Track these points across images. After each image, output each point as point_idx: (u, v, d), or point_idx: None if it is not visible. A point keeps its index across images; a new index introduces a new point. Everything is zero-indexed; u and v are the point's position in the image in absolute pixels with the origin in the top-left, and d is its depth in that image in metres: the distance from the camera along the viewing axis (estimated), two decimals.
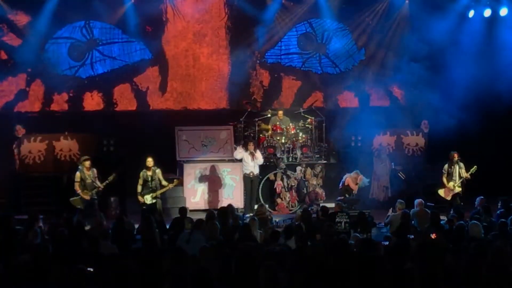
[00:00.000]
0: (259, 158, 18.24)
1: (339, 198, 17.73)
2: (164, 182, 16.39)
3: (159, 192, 16.30)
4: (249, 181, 18.14)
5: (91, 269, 8.02)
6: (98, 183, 16.14)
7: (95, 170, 16.28)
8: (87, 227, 14.06)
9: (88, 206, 15.93)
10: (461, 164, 17.43)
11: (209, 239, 11.26)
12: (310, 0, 22.03)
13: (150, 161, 16.29)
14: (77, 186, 16.03)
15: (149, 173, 16.27)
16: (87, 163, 16.13)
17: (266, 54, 22.57)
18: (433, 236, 11.96)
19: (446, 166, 17.60)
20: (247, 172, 18.10)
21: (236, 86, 22.25)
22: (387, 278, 7.64)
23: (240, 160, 18.67)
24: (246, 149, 18.18)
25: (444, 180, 17.57)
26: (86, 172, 16.07)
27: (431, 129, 20.65)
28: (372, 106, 22.68)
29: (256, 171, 18.18)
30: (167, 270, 7.86)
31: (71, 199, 16.10)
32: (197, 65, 22.17)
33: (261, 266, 7.32)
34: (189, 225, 12.71)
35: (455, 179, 17.44)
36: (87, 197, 15.95)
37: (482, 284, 7.37)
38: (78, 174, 16.11)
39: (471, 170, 17.34)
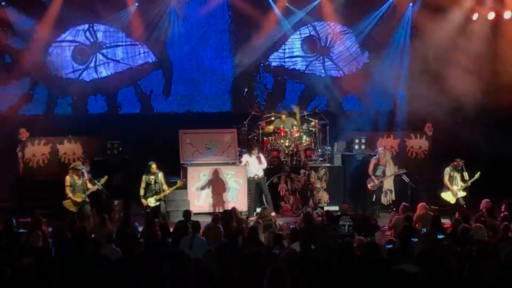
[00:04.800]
0: (263, 162, 18.19)
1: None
2: (164, 187, 16.45)
3: (162, 194, 16.35)
4: (254, 184, 18.10)
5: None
6: (90, 186, 16.18)
7: (85, 175, 16.32)
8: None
9: (81, 209, 16.01)
10: (464, 170, 17.41)
11: (212, 242, 11.26)
12: (314, 3, 22.03)
13: (154, 168, 16.40)
14: (67, 190, 16.10)
15: (152, 176, 16.31)
16: (77, 170, 16.20)
17: (270, 57, 22.59)
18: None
19: (448, 169, 17.55)
20: (251, 175, 18.06)
21: (240, 89, 22.28)
22: (390, 282, 7.63)
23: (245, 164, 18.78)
24: (251, 154, 18.11)
25: (447, 183, 17.54)
26: (75, 177, 16.11)
27: (435, 132, 20.62)
28: (376, 109, 22.66)
29: (260, 173, 18.12)
30: (170, 273, 7.86)
31: (63, 202, 16.17)
32: (201, 68, 22.20)
33: (268, 268, 7.31)
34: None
35: (457, 183, 17.41)
36: (79, 200, 15.99)
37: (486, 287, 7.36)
38: (67, 178, 16.18)
39: (475, 176, 17.30)
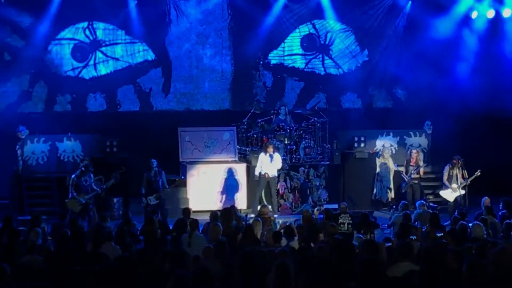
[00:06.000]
0: (278, 161, 18.07)
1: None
2: (164, 185, 16.63)
3: (161, 193, 16.44)
4: (263, 181, 17.99)
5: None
6: (94, 187, 16.24)
7: (92, 176, 16.39)
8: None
9: (84, 209, 16.04)
10: (463, 168, 17.43)
11: (211, 240, 11.25)
12: (313, 1, 22.03)
13: (154, 165, 16.62)
14: (73, 189, 16.12)
15: (152, 174, 16.37)
16: (85, 167, 16.26)
17: (269, 55, 22.58)
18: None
19: (447, 167, 17.60)
20: (263, 173, 17.93)
21: (239, 87, 22.30)
22: (389, 279, 7.64)
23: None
24: (266, 152, 18.04)
25: (446, 182, 17.56)
26: (82, 176, 16.15)
27: (434, 130, 20.62)
28: (375, 107, 22.70)
29: (271, 172, 17.98)
30: (169, 271, 7.86)
31: (66, 200, 16.19)
32: (200, 66, 22.20)
33: (274, 263, 7.30)
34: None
35: (456, 181, 17.43)
36: (83, 200, 16.03)
37: (484, 285, 7.36)
38: (74, 178, 16.21)
39: (475, 174, 17.31)
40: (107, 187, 16.58)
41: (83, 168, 16.42)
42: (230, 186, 18.92)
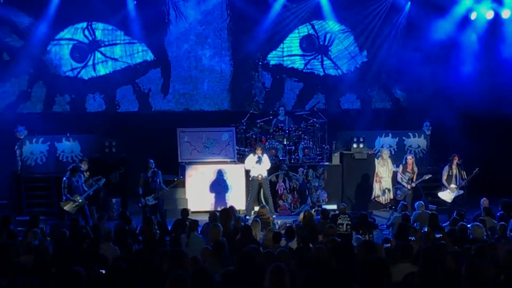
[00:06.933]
0: (266, 162, 18.06)
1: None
2: (162, 185, 16.68)
3: (160, 193, 16.45)
4: (256, 183, 17.98)
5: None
6: (85, 188, 16.25)
7: (82, 176, 16.41)
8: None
9: (79, 209, 16.04)
10: (462, 168, 17.44)
11: (210, 241, 11.25)
12: (312, 1, 22.04)
13: (150, 165, 16.64)
14: (65, 192, 16.12)
15: (150, 174, 16.39)
16: (75, 169, 16.29)
17: (268, 56, 22.58)
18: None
19: (446, 167, 17.62)
20: (255, 174, 17.93)
21: (238, 88, 22.29)
22: (388, 280, 7.62)
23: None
24: (254, 153, 18.03)
25: (445, 182, 17.57)
26: (72, 178, 16.15)
27: (433, 131, 20.62)
28: (374, 108, 22.69)
29: (264, 173, 18.02)
30: (168, 271, 7.85)
31: (61, 203, 16.18)
32: (199, 67, 22.20)
33: (269, 267, 7.29)
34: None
35: (455, 182, 17.43)
36: (77, 202, 16.04)
37: (483, 286, 7.35)
38: (65, 180, 16.21)
39: (474, 172, 17.33)
40: (99, 186, 16.56)
41: (69, 171, 16.44)
42: (228, 187, 18.92)
